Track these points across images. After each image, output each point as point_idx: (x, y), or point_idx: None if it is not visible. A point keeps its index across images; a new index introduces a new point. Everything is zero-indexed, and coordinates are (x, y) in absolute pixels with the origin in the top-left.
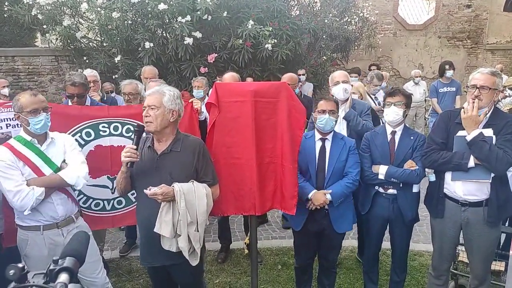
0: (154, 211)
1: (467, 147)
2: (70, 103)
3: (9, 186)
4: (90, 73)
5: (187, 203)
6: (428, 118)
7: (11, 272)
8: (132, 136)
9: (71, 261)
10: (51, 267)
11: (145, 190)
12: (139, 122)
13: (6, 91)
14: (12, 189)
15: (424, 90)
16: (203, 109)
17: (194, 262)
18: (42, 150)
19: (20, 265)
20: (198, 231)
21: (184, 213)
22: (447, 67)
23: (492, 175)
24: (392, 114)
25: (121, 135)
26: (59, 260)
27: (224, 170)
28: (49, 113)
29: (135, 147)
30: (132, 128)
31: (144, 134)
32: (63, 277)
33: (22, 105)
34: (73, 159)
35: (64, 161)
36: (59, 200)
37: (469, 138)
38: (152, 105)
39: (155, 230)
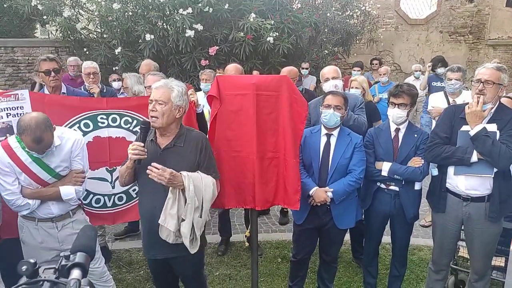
0: (157, 204)
1: (471, 142)
2: (46, 91)
3: (3, 193)
4: (90, 65)
5: (195, 188)
6: (422, 117)
7: (23, 267)
8: (138, 132)
9: (83, 256)
10: (63, 262)
11: (148, 171)
12: (142, 117)
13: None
14: (6, 197)
15: None
16: (200, 101)
17: (193, 250)
18: (40, 157)
19: (32, 260)
20: (201, 217)
21: (193, 197)
22: (439, 64)
23: (495, 170)
24: (395, 115)
25: (119, 126)
26: (71, 256)
27: (225, 163)
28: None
29: (142, 144)
30: (130, 120)
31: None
32: (76, 273)
33: (19, 132)
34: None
35: (67, 167)
36: (54, 201)
37: (472, 133)
38: (160, 100)
39: (159, 222)
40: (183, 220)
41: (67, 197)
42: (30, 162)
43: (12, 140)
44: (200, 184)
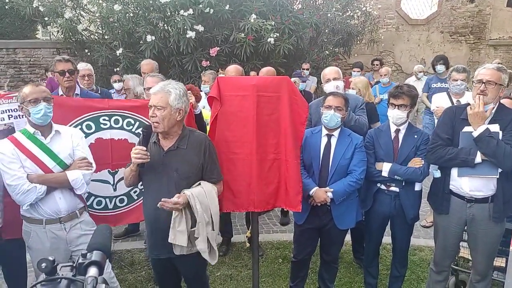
0: None
1: (474, 143)
2: (60, 92)
3: (9, 180)
4: (85, 67)
5: (202, 205)
6: (423, 117)
7: (43, 265)
8: (140, 136)
9: (99, 254)
10: (80, 260)
11: (160, 205)
12: (145, 118)
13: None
14: (11, 183)
15: None
16: (200, 102)
17: (213, 261)
18: (45, 143)
19: (50, 258)
20: (214, 230)
21: (202, 215)
22: (441, 61)
23: (500, 170)
24: (395, 116)
25: (121, 128)
26: (87, 254)
27: (223, 165)
28: (51, 104)
29: (145, 148)
30: (132, 122)
31: None
32: (93, 271)
33: (24, 95)
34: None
35: (70, 155)
36: (61, 195)
37: (475, 134)
38: (158, 106)
39: (169, 240)
40: (196, 238)
41: (73, 178)
42: (34, 149)
43: (17, 133)
44: (205, 199)
